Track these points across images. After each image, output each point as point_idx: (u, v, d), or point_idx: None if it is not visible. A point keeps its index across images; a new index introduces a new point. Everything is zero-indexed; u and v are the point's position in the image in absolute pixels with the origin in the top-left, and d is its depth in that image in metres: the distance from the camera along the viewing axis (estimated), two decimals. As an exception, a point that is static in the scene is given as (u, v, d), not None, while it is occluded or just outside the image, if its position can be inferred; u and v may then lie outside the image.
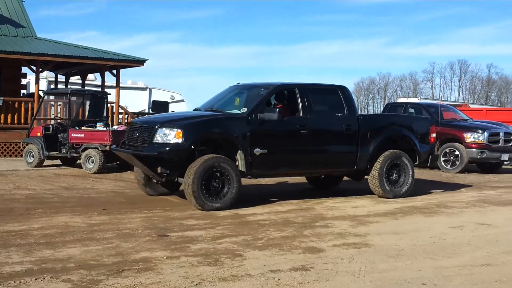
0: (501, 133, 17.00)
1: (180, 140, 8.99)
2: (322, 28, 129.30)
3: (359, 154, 10.48)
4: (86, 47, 21.99)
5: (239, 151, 9.42)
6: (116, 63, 21.44)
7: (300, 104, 10.12)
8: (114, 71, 21.93)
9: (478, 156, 16.40)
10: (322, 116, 10.39)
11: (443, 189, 12.12)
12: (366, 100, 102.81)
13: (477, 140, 16.51)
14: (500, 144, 16.85)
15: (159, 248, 6.50)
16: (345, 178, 12.03)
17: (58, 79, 25.70)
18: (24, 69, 22.59)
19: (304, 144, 10.03)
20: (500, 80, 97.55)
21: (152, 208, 9.13)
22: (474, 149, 16.25)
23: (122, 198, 10.41)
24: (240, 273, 5.54)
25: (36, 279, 5.17)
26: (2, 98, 19.27)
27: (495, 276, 5.62)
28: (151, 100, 29.12)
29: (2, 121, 18.98)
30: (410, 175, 10.95)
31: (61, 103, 21.18)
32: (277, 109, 9.63)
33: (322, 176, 11.88)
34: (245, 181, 10.13)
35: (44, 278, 5.19)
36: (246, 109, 9.76)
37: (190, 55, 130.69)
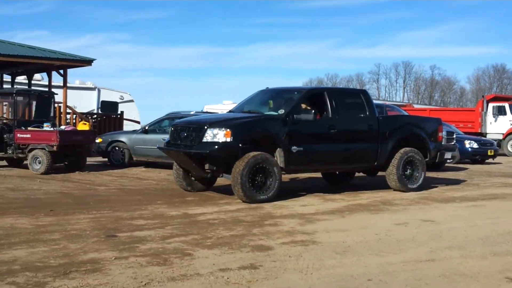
0: (443, 132, 17.42)
1: (229, 139, 9.84)
2: (271, 30, 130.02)
3: (379, 151, 11.59)
4: (32, 46, 21.59)
5: (278, 149, 10.34)
6: (63, 63, 21.14)
7: (329, 106, 11.14)
8: (62, 71, 21.60)
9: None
10: (348, 117, 11.42)
11: (387, 187, 12.37)
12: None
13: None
14: (443, 143, 17.26)
15: (107, 248, 6.45)
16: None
17: (4, 79, 25.11)
18: (-33, 68, 22.01)
19: (334, 142, 11.04)
20: (443, 81, 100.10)
21: (100, 209, 9.05)
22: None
23: (70, 199, 10.29)
24: (189, 272, 5.55)
25: (-20, 282, 5.08)
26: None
27: (438, 271, 5.78)
28: (100, 100, 28.75)
29: None
30: (422, 171, 12.04)
31: (6, 103, 20.65)
32: (313, 111, 10.59)
33: (337, 172, 12.89)
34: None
35: (-10, 281, 5.11)
36: (283, 110, 10.70)
37: (140, 56, 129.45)
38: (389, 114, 18.10)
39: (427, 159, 12.40)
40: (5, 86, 24.44)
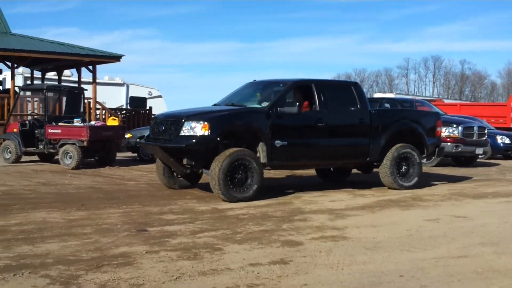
0: (475, 127, 17.22)
1: (206, 133, 9.42)
2: (299, 25, 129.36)
3: (371, 147, 11.01)
4: (62, 43, 21.83)
5: (260, 143, 9.89)
6: (92, 59, 21.33)
7: (317, 99, 10.62)
8: (91, 67, 21.80)
9: (453, 150, 16.59)
10: (337, 110, 10.89)
11: (418, 183, 12.26)
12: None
13: (451, 135, 16.70)
14: (474, 138, 17.08)
15: (138, 242, 6.50)
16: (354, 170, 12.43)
17: (34, 75, 25.44)
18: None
19: (321, 136, 10.55)
20: (473, 75, 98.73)
21: (131, 204, 9.12)
22: (449, 143, 16.40)
23: (100, 193, 10.38)
24: (219, 267, 5.56)
25: (14, 274, 5.14)
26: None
27: (471, 267, 5.70)
28: (129, 96, 28.95)
29: (-23, 117, 18.78)
30: (418, 168, 11.46)
31: (37, 99, 20.97)
32: (297, 103, 10.26)
33: (331, 168, 12.36)
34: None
35: (22, 274, 5.17)
36: (267, 103, 10.25)
37: (167, 52, 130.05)
38: (419, 109, 17.90)
39: (424, 156, 11.93)
40: (35, 82, 24.76)
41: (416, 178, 11.41)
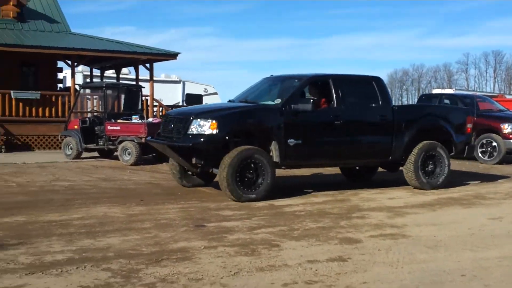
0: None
1: (214, 131, 9.02)
2: (354, 21, 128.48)
3: (394, 145, 10.42)
4: (120, 41, 22.24)
5: (273, 142, 9.43)
6: (149, 57, 21.67)
7: (334, 94, 10.07)
8: (148, 65, 22.14)
9: (517, 147, 16.08)
10: (356, 106, 10.34)
11: (480, 180, 11.96)
12: (400, 92, 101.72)
13: (515, 131, 16.20)
14: None
15: (196, 238, 6.55)
16: (379, 169, 11.95)
17: (93, 73, 26.01)
18: (60, 64, 22.95)
19: (339, 134, 10.00)
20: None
21: (188, 199, 9.21)
22: (512, 140, 15.93)
23: (158, 189, 10.53)
24: (277, 263, 5.55)
25: (77, 267, 5.25)
26: (39, 92, 19.61)
27: (536, 267, 5.53)
28: (185, 93, 29.29)
29: (40, 115, 19.33)
30: (446, 166, 10.79)
31: (96, 96, 21.42)
32: (311, 100, 9.67)
33: (357, 167, 11.80)
34: (279, 172, 10.15)
35: (85, 267, 5.28)
36: (280, 100, 9.75)
37: (224, 49, 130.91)
38: (480, 105, 17.44)
39: (452, 154, 11.14)
40: (94, 80, 25.31)
41: (443, 178, 10.75)
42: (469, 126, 11.50)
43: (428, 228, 7.27)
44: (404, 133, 10.49)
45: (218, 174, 9.13)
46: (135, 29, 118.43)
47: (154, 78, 23.12)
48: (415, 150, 10.52)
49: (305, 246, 6.24)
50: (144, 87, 18.04)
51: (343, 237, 6.69)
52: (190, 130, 9.22)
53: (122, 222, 7.38)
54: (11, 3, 21.95)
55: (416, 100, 41.73)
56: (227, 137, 9.11)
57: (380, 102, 10.47)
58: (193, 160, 9.44)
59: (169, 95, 29.07)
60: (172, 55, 22.01)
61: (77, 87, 20.15)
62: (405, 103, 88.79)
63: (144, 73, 23.58)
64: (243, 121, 9.57)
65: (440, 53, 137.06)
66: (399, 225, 7.46)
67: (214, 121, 9.08)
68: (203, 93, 29.38)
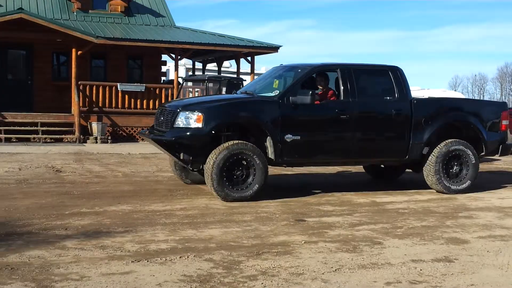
0: None
1: (200, 125, 8.37)
2: (463, 11, 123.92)
3: (411, 142, 9.38)
4: (222, 34, 22.53)
5: (268, 137, 8.67)
6: (251, 50, 21.83)
7: (342, 86, 9.19)
8: (249, 58, 22.32)
9: None
10: (367, 99, 9.35)
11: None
12: (511, 87, 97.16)
13: None
14: None
15: (296, 232, 6.51)
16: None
17: (196, 66, 26.53)
18: (164, 57, 23.58)
19: (345, 130, 9.10)
20: None
21: (288, 194, 9.17)
22: None
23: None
24: (380, 261, 5.42)
25: (180, 257, 5.35)
26: (144, 85, 20.24)
27: None
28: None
29: (144, 107, 19.95)
30: (473, 168, 9.63)
31: (199, 89, 21.88)
32: (310, 92, 8.67)
33: (382, 165, 10.92)
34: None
35: (188, 257, 5.37)
36: (278, 91, 9.01)
37: (325, 41, 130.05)
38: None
39: (482, 154, 9.97)
40: (197, 73, 25.83)
41: (469, 181, 9.58)
42: (505, 123, 10.23)
43: (541, 231, 6.87)
44: (424, 130, 9.44)
45: (204, 171, 8.54)
46: (236, 22, 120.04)
47: (255, 71, 23.29)
48: (436, 149, 9.48)
49: (409, 245, 6.06)
50: (245, 80, 18.24)
51: (449, 237, 6.44)
52: (176, 123, 8.59)
53: (223, 214, 7.46)
54: (119, -2, 22.79)
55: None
56: (213, 132, 8.40)
57: (396, 95, 9.46)
58: (181, 156, 8.66)
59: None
60: (274, 48, 22.08)
61: (180, 80, 20.65)
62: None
63: (245, 66, 23.84)
64: (234, 114, 8.77)
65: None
66: (509, 226, 7.11)
67: (200, 114, 8.41)
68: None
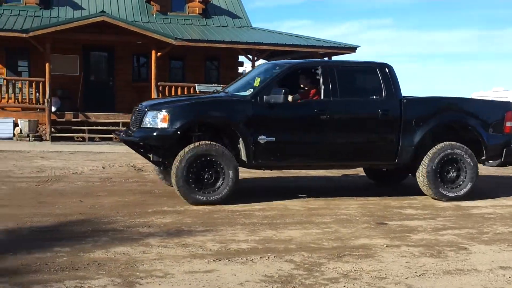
0: None
1: (165, 125, 7.97)
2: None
3: (401, 145, 8.68)
4: (298, 35, 22.50)
5: (240, 138, 8.23)
6: (327, 51, 21.68)
7: (322, 85, 8.57)
8: (326, 58, 22.15)
9: None
10: (349, 99, 8.69)
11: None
12: None
13: None
14: None
15: (378, 235, 6.40)
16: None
17: (272, 67, 26.54)
18: (241, 58, 23.77)
19: (325, 131, 8.49)
20: None
21: (367, 195, 9.04)
22: None
23: (332, 183, 10.53)
24: (465, 267, 5.26)
25: (261, 257, 5.36)
26: (222, 85, 20.45)
27: None
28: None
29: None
30: (472, 173, 8.84)
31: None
32: (283, 90, 8.15)
33: (384, 169, 10.19)
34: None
35: (268, 257, 5.37)
36: (252, 90, 8.48)
37: (402, 41, 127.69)
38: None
39: (483, 158, 9.19)
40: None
41: (467, 187, 8.79)
42: (509, 124, 9.34)
43: None
44: (415, 131, 8.73)
45: (171, 173, 8.15)
46: (310, 23, 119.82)
47: (331, 72, 23.11)
48: (430, 152, 8.77)
49: (497, 251, 5.85)
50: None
51: (540, 244, 6.17)
52: (143, 123, 8.21)
53: (302, 215, 7.42)
54: (197, 0, 23.13)
55: None
56: (178, 132, 7.95)
57: (384, 94, 8.76)
58: (151, 157, 8.40)
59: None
60: (351, 49, 21.86)
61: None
62: None
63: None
64: (201, 113, 8.25)
65: None
66: None
67: (166, 113, 8.03)
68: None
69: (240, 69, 27.00)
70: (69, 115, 19.14)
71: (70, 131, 18.66)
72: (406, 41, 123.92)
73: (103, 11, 19.75)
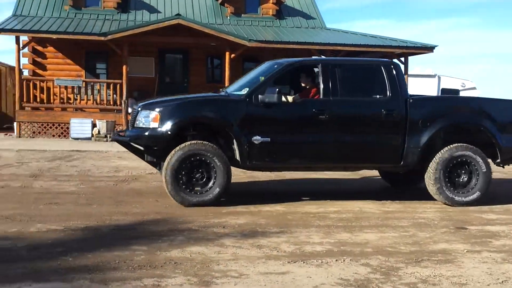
0: None
1: (156, 125, 7.83)
2: None
3: (406, 146, 8.27)
4: (374, 35, 22.20)
5: (234, 139, 8.00)
6: (404, 51, 21.28)
7: (322, 84, 8.25)
8: (402, 59, 21.76)
9: None
10: (351, 98, 8.37)
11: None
12: None
13: None
14: None
15: (457, 240, 6.20)
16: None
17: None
18: (315, 59, 23.64)
19: (324, 132, 8.16)
20: None
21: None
22: None
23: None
24: (552, 275, 5.02)
25: (336, 260, 5.29)
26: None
27: None
28: (440, 88, 28.29)
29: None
30: (484, 177, 8.29)
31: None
32: (277, 89, 7.92)
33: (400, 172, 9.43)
34: None
35: (344, 260, 5.29)
36: (247, 89, 8.21)
37: (485, 40, 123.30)
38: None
39: (497, 161, 8.64)
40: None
41: (477, 192, 8.25)
42: None
43: None
44: (422, 132, 8.28)
45: (162, 173, 8.00)
46: (386, 23, 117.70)
47: (408, 72, 22.68)
48: (438, 155, 8.29)
49: None
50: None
51: None
52: (136, 122, 8.10)
53: (378, 218, 7.29)
54: (271, 1, 23.19)
55: None
56: (169, 132, 7.77)
57: (388, 94, 8.36)
58: (145, 157, 8.32)
59: (422, 90, 28.31)
60: (429, 48, 21.36)
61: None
62: None
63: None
64: (193, 113, 8.03)
65: None
66: None
67: (157, 113, 7.88)
68: (460, 88, 28.08)
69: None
70: (145, 116, 19.56)
71: (147, 131, 19.06)
72: (488, 41, 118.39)
73: (178, 14, 20.11)
